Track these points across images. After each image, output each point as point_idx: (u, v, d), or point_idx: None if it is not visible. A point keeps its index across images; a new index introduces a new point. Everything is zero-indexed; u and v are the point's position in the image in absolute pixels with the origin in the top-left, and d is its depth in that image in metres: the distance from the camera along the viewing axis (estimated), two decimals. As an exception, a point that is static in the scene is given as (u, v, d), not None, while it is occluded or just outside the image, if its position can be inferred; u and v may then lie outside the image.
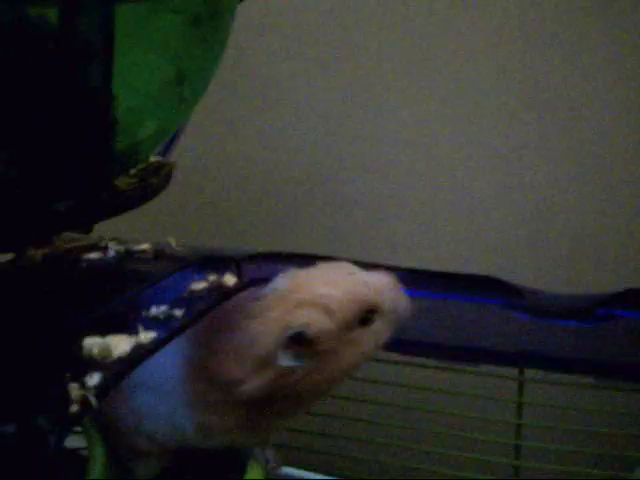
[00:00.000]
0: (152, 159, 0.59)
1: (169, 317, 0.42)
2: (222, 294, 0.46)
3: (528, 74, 0.71)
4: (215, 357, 0.45)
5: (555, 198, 0.73)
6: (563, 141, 0.71)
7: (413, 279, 0.56)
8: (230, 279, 0.47)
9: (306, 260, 0.50)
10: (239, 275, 0.48)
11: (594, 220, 0.72)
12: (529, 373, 0.60)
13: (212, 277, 0.47)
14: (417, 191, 0.76)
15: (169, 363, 0.46)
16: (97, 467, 0.53)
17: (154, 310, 0.42)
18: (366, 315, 0.45)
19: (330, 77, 0.75)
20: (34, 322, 0.41)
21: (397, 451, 0.64)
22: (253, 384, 0.43)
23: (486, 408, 0.63)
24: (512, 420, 0.61)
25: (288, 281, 0.46)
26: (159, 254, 0.49)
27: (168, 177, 0.58)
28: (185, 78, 0.52)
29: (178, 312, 0.43)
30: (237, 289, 0.47)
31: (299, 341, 0.43)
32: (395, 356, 0.60)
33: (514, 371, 0.61)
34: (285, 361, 0.43)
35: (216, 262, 0.48)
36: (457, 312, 0.57)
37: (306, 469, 0.68)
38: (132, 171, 0.55)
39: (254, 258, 0.50)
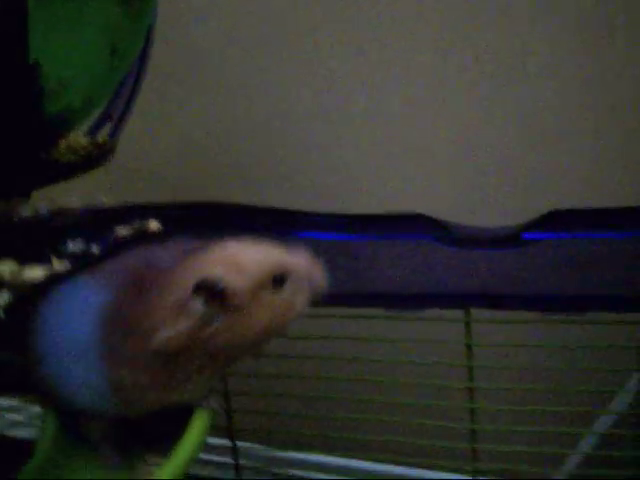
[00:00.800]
0: (100, 139, 0.63)
1: (85, 252, 0.45)
2: (145, 238, 0.49)
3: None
4: (131, 308, 0.45)
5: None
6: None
7: (347, 224, 0.58)
8: (154, 225, 0.50)
9: (233, 210, 0.53)
10: (163, 223, 0.50)
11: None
12: (475, 313, 0.61)
13: (136, 224, 0.50)
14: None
15: (83, 321, 0.46)
16: (46, 437, 0.54)
17: (70, 245, 0.45)
18: (278, 278, 0.46)
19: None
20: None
21: (349, 405, 0.65)
22: (168, 332, 0.44)
23: (436, 353, 0.63)
24: (463, 363, 0.62)
25: (212, 244, 0.47)
26: (86, 208, 0.52)
27: (110, 151, 0.62)
28: (116, 51, 0.56)
29: (95, 249, 0.45)
30: (160, 234, 0.49)
31: (212, 295, 0.43)
32: (342, 310, 0.62)
33: (460, 313, 0.61)
34: (197, 309, 0.43)
35: (139, 210, 0.50)
36: (391, 255, 0.58)
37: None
38: (81, 149, 0.59)
39: (178, 206, 0.53)
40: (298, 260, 0.47)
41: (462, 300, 0.61)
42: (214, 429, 0.65)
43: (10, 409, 0.69)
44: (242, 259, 0.45)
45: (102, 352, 0.46)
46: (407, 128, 0.76)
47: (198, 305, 0.43)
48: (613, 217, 0.53)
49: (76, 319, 0.46)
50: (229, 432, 0.69)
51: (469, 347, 0.62)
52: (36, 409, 0.68)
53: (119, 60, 0.57)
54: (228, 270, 0.44)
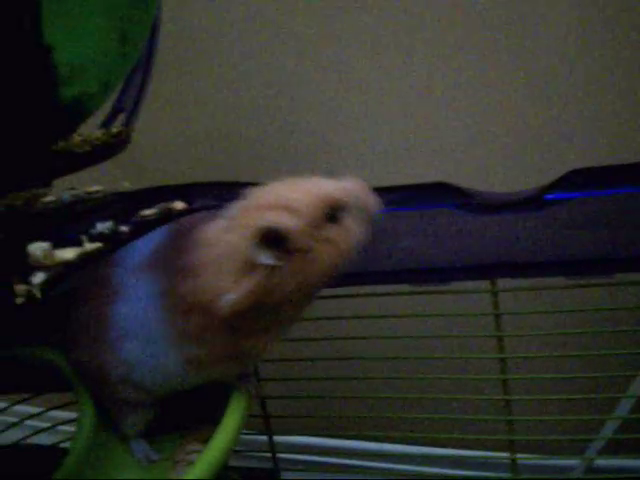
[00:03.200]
0: (114, 129, 0.63)
1: (115, 232, 0.45)
2: (171, 216, 0.48)
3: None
4: (189, 281, 0.45)
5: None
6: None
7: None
8: (179, 204, 0.50)
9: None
10: (188, 202, 0.50)
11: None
12: (501, 283, 0.61)
13: (162, 205, 0.49)
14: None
15: (146, 309, 0.47)
16: (81, 437, 0.53)
17: (99, 226, 0.44)
18: (333, 212, 0.45)
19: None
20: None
21: (380, 384, 0.65)
22: (240, 291, 0.43)
23: (465, 325, 0.63)
24: (492, 333, 0.61)
25: (250, 194, 0.46)
26: (112, 192, 0.52)
27: (126, 139, 0.62)
28: (127, 38, 0.57)
29: (124, 228, 0.45)
30: (186, 212, 0.49)
31: (272, 243, 0.43)
32: (367, 288, 0.61)
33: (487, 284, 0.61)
34: (265, 259, 0.42)
35: (164, 191, 0.50)
36: (413, 226, 0.58)
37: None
38: (96, 140, 0.59)
39: (202, 186, 0.52)
40: (348, 189, 0.47)
41: (488, 270, 0.61)
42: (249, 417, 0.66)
43: (30, 416, 0.68)
44: (292, 200, 0.44)
45: (171, 334, 0.47)
46: (422, 102, 0.75)
47: (263, 258, 0.42)
48: (636, 171, 0.53)
49: (142, 308, 0.47)
50: (265, 420, 0.69)
51: (497, 317, 0.62)
52: (57, 414, 0.67)
53: (129, 47, 0.58)
54: (281, 213, 0.43)
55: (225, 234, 0.44)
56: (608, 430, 0.67)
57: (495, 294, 0.61)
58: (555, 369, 0.63)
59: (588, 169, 0.54)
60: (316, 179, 0.47)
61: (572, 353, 0.62)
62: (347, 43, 0.76)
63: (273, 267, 0.43)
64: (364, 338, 0.64)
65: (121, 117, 0.65)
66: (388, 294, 0.62)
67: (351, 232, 0.46)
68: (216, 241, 0.45)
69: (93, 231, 0.44)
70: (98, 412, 0.55)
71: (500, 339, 0.62)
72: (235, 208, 0.45)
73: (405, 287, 0.61)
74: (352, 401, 0.68)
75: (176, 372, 0.49)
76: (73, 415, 0.63)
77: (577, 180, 0.53)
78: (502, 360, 0.62)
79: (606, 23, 0.67)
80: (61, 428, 0.69)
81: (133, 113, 0.66)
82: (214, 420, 0.52)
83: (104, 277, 0.49)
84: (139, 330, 0.49)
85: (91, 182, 0.56)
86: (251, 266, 0.43)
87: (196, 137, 0.79)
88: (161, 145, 0.80)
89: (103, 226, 0.45)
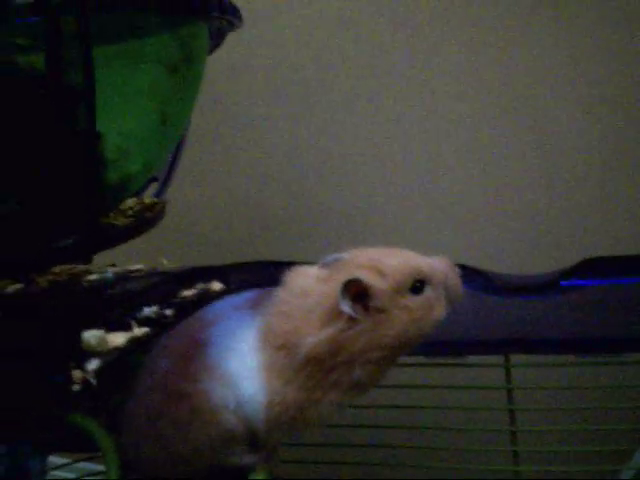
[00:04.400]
0: (147, 200, 0.66)
1: (160, 316, 0.47)
2: (210, 298, 0.51)
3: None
4: (284, 322, 0.48)
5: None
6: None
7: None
8: (217, 285, 0.52)
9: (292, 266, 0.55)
10: (226, 282, 0.53)
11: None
12: (514, 359, 0.64)
13: (200, 285, 0.52)
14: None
15: (243, 334, 0.49)
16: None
17: (146, 311, 0.47)
18: (417, 283, 0.48)
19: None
20: (43, 331, 0.46)
21: (393, 452, 0.67)
22: (320, 335, 0.46)
23: (478, 399, 0.65)
24: (504, 406, 0.64)
25: (349, 253, 0.50)
26: (153, 272, 0.54)
27: (161, 213, 0.64)
28: (168, 119, 0.59)
29: (169, 312, 0.48)
30: (224, 293, 0.52)
31: (356, 296, 0.46)
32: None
33: (500, 359, 0.64)
34: (346, 308, 0.46)
35: (203, 272, 0.53)
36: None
37: None
38: (129, 209, 0.61)
39: (239, 267, 0.55)
40: (437, 267, 0.50)
41: (502, 346, 0.64)
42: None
43: (58, 467, 0.70)
44: (383, 264, 0.48)
45: (260, 362, 0.48)
46: (436, 175, 0.79)
47: (345, 306, 0.46)
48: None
49: (240, 333, 0.49)
50: None
51: (510, 391, 0.64)
52: (85, 466, 0.69)
53: (170, 127, 0.60)
54: (371, 273, 0.48)
55: (319, 285, 0.48)
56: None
57: (508, 369, 0.64)
58: (563, 440, 0.65)
59: (602, 258, 0.57)
60: (407, 251, 0.51)
61: (582, 426, 0.64)
62: (367, 119, 0.79)
63: (352, 319, 0.46)
64: (382, 407, 0.67)
65: (153, 186, 0.68)
66: (406, 365, 0.65)
67: (432, 306, 0.49)
68: (311, 291, 0.49)
69: (139, 315, 0.47)
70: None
71: (512, 412, 0.65)
72: (335, 263, 0.50)
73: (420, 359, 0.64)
74: (362, 466, 0.70)
75: (254, 413, 0.49)
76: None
77: (592, 268, 0.56)
78: (513, 433, 0.64)
79: (622, 106, 0.71)
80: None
81: (166, 182, 0.69)
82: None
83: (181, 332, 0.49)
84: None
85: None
86: (335, 315, 0.47)
87: (224, 207, 0.83)
88: (188, 215, 0.84)
89: (150, 310, 0.47)
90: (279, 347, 0.48)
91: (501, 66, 0.76)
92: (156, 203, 0.63)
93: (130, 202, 0.65)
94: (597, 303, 0.58)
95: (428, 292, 0.49)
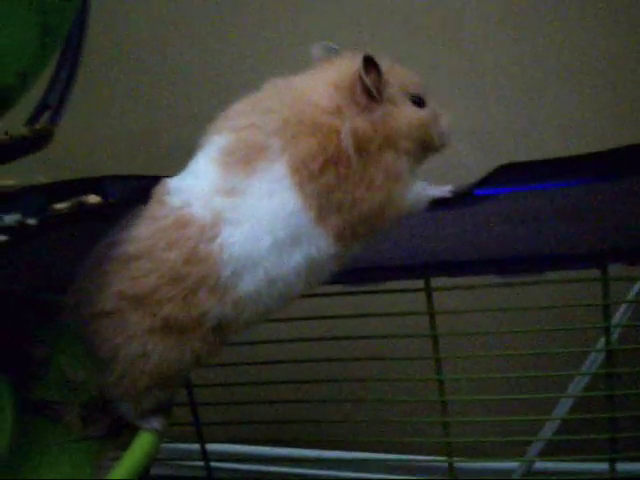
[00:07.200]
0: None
1: (22, 224, 0.43)
2: (86, 210, 0.47)
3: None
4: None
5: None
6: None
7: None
8: (93, 198, 0.48)
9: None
10: (103, 195, 0.48)
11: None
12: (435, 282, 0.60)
13: (74, 198, 0.48)
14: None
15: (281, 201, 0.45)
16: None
17: (7, 218, 0.43)
18: (418, 99, 0.49)
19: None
20: None
21: (319, 386, 0.63)
22: (349, 124, 0.45)
23: (400, 324, 0.62)
24: (428, 332, 0.60)
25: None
26: (25, 186, 0.50)
27: (48, 136, 0.60)
28: (48, 28, 0.55)
29: (32, 221, 0.43)
30: (101, 206, 0.47)
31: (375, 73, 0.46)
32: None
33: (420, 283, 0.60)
34: (368, 82, 0.45)
35: (77, 184, 0.48)
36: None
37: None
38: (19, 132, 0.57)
39: (117, 179, 0.50)
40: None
41: (422, 270, 0.61)
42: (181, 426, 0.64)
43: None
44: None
45: (314, 214, 0.45)
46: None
47: (368, 80, 0.45)
48: (563, 167, 0.53)
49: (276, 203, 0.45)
50: (197, 428, 0.66)
51: (432, 316, 0.61)
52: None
53: (51, 37, 0.56)
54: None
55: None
56: (547, 432, 0.66)
57: (429, 293, 0.61)
58: (492, 369, 0.62)
59: (518, 164, 0.53)
60: None
61: (508, 352, 0.61)
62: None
63: (372, 100, 0.46)
64: (302, 340, 0.63)
65: (47, 114, 0.64)
66: (324, 294, 0.61)
67: (437, 116, 0.49)
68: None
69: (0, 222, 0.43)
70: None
71: (435, 338, 0.61)
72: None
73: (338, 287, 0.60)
74: (287, 406, 0.66)
75: (326, 256, 0.47)
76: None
77: (507, 175, 0.53)
78: (437, 360, 0.61)
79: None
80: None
81: (58, 110, 0.64)
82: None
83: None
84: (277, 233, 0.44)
85: (9, 177, 0.55)
86: (358, 95, 0.46)
87: (117, 136, 0.79)
88: (82, 143, 0.80)
89: (10, 218, 0.43)
90: (320, 169, 0.45)
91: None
92: (43, 127, 0.59)
93: (23, 130, 0.61)
94: (514, 213, 0.55)
95: (430, 106, 0.49)
